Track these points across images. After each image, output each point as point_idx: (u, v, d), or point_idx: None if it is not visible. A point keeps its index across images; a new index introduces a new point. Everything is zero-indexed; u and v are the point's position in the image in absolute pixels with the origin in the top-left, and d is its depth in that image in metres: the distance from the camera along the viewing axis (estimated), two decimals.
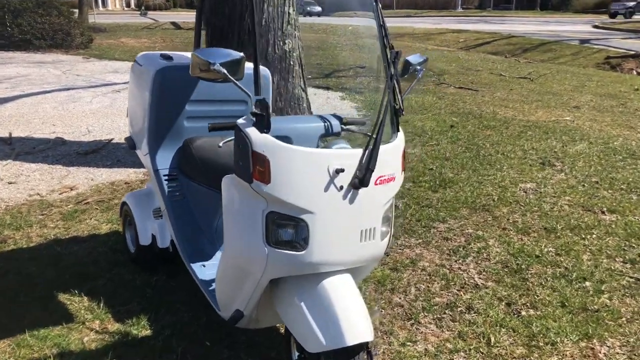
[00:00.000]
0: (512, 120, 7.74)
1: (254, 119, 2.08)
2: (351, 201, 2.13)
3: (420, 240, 3.93)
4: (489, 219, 4.32)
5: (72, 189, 4.73)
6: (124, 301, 3.07)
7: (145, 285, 3.24)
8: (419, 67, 2.49)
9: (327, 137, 2.45)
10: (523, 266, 3.59)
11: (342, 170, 2.08)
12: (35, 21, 13.88)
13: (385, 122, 2.22)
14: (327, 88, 10.14)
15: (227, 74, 2.03)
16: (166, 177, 3.00)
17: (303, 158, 2.06)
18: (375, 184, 2.19)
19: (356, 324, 2.12)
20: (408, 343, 2.83)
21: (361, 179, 2.10)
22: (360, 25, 18.18)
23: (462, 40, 21.15)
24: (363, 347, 2.14)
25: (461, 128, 7.18)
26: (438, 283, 3.40)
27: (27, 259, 3.49)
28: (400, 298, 3.23)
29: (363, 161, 2.12)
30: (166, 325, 2.88)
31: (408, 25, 24.09)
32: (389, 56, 2.33)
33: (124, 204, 3.45)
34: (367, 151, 2.13)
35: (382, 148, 2.22)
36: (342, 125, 2.50)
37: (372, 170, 2.12)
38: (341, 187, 2.10)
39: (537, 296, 3.25)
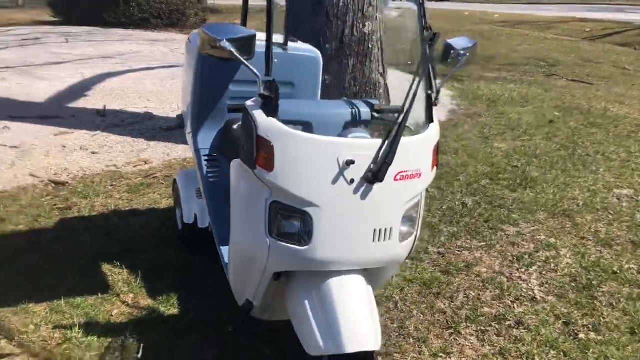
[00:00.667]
0: (624, 118, 6.99)
1: (262, 101, 1.94)
2: (363, 197, 1.94)
3: (483, 243, 3.62)
4: (568, 225, 3.90)
5: (146, 163, 4.87)
6: (161, 277, 3.08)
7: (186, 264, 3.24)
8: (462, 52, 2.23)
9: (355, 125, 2.26)
10: (595, 282, 3.19)
11: (353, 162, 1.90)
12: (154, 1, 14.57)
13: (410, 110, 2.00)
14: None
15: (235, 51, 1.90)
16: (206, 158, 2.95)
17: (310, 146, 1.90)
18: (395, 180, 1.98)
19: (359, 330, 1.95)
20: (441, 354, 2.60)
21: (375, 173, 1.91)
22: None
23: (588, 30, 19.58)
24: (367, 356, 1.96)
25: (562, 124, 6.59)
26: (491, 292, 3.10)
27: (83, 228, 3.61)
28: (444, 304, 2.98)
29: (381, 153, 1.91)
30: (193, 307, 2.84)
31: (529, 13, 22.67)
32: (425, 37, 2.09)
33: (175, 181, 3.46)
34: (386, 142, 1.92)
35: (408, 140, 2.01)
36: (374, 113, 2.29)
37: (389, 164, 1.92)
38: (352, 181, 1.92)
39: (603, 318, 2.87)
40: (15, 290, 2.88)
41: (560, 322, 2.85)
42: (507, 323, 2.83)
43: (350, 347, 1.91)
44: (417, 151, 2.06)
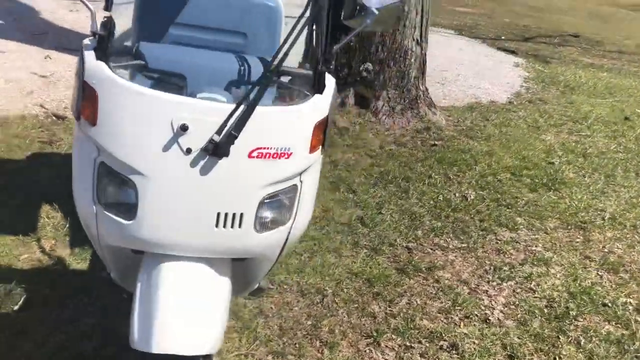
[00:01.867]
0: None
1: (97, 40, 1.64)
2: (204, 172, 1.60)
3: (464, 245, 3.15)
4: (578, 240, 3.31)
5: None
6: None
7: None
8: (372, 9, 1.77)
9: (240, 85, 1.90)
10: (573, 312, 2.66)
11: (186, 128, 1.56)
12: None
13: (279, 70, 1.64)
14: (512, 52, 8.93)
15: None
16: None
17: (139, 100, 1.58)
18: (250, 157, 1.62)
19: (178, 329, 1.65)
20: None
21: (217, 145, 1.56)
22: None
23: None
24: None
25: (639, 124, 5.73)
26: (441, 303, 2.67)
27: (49, 165, 3.51)
28: (379, 307, 2.60)
29: (229, 122, 1.56)
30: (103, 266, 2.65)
31: None
32: None
33: None
34: (239, 108, 1.56)
35: (274, 110, 1.65)
36: (269, 73, 1.88)
37: (235, 136, 1.56)
38: (188, 150, 1.58)
39: (559, 358, 2.36)
40: None
41: (504, 353, 2.38)
42: (440, 343, 2.41)
43: (158, 347, 1.61)
44: (286, 126, 1.68)
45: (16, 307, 2.33)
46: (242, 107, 1.57)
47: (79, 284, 2.51)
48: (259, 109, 1.60)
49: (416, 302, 2.66)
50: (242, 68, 1.87)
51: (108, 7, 1.67)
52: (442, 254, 3.07)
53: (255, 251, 1.77)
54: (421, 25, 4.69)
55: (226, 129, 1.56)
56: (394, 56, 4.57)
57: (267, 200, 1.71)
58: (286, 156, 1.67)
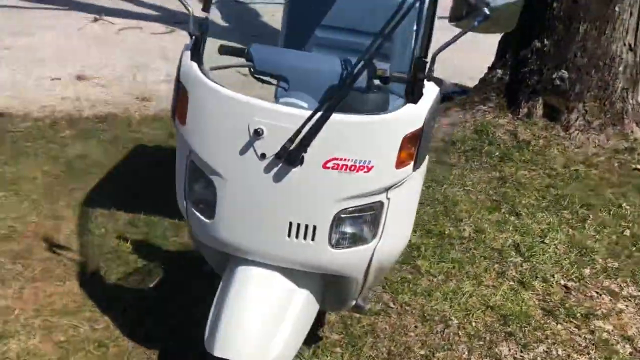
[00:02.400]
0: None
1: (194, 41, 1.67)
2: (277, 179, 1.55)
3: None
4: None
5: None
6: None
7: None
8: (486, 11, 1.51)
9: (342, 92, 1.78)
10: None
11: (261, 133, 1.51)
12: None
13: (365, 75, 1.52)
14: None
15: None
16: None
17: (221, 103, 1.58)
18: (325, 167, 1.52)
19: (238, 335, 1.63)
20: None
21: (288, 152, 1.49)
22: None
23: None
24: None
25: None
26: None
27: None
28: (508, 350, 2.29)
29: (304, 129, 1.48)
30: None
31: None
32: None
33: None
34: (312, 115, 1.48)
35: (355, 119, 1.52)
36: (376, 81, 1.74)
37: (307, 145, 1.48)
38: (263, 156, 1.54)
39: None
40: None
41: None
42: None
43: (219, 350, 1.60)
44: (367, 137, 1.53)
45: (151, 285, 2.52)
46: (317, 115, 1.47)
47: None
48: (337, 117, 1.49)
49: (557, 352, 2.28)
50: (346, 73, 1.75)
51: (206, 8, 1.68)
52: (610, 300, 2.58)
53: (331, 268, 1.66)
54: (636, 29, 4.02)
55: (299, 136, 1.48)
56: (597, 63, 3.98)
57: (345, 216, 1.59)
58: (366, 170, 1.53)
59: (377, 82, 1.73)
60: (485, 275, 2.69)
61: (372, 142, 1.53)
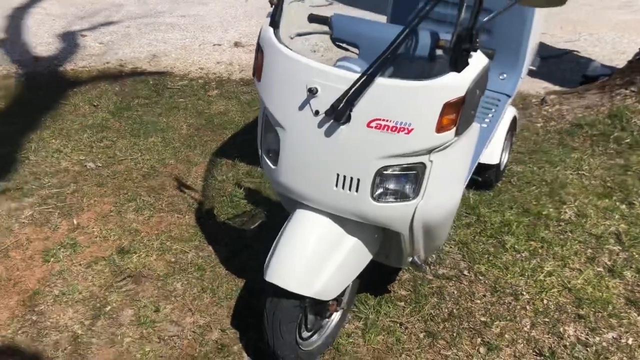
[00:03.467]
0: None
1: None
2: (328, 133, 1.76)
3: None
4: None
5: None
6: None
7: None
8: None
9: (406, 60, 1.92)
10: None
11: (315, 91, 1.72)
12: None
13: (409, 40, 1.64)
14: None
15: None
16: None
17: (286, 63, 1.81)
18: (368, 126, 1.70)
19: (288, 266, 1.88)
20: None
21: (335, 109, 1.69)
22: None
23: None
24: (299, 299, 1.88)
25: None
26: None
27: None
28: (573, 331, 2.28)
29: (350, 90, 1.67)
30: None
31: None
32: None
33: None
34: (359, 79, 1.66)
35: (398, 83, 1.67)
36: (437, 49, 1.86)
37: (351, 104, 1.67)
38: (317, 112, 1.75)
39: None
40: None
41: None
42: None
43: (270, 276, 1.87)
44: (408, 100, 1.66)
45: (252, 227, 2.87)
46: (363, 78, 1.64)
47: None
48: (381, 81, 1.65)
49: (626, 341, 2.22)
50: (411, 42, 1.88)
51: None
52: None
53: (374, 219, 1.83)
54: None
55: (347, 96, 1.67)
56: None
57: (386, 172, 1.75)
58: (406, 131, 1.67)
59: (439, 52, 1.85)
60: (574, 258, 2.64)
61: (412, 106, 1.66)
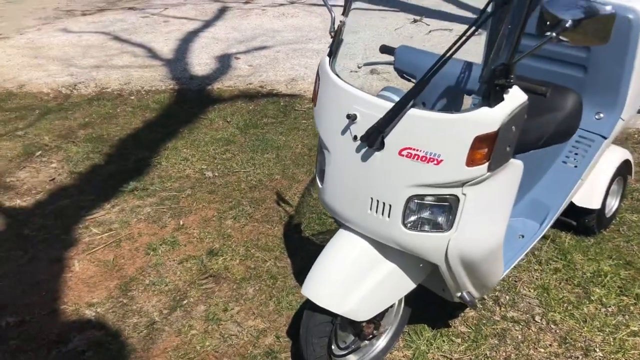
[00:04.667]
0: None
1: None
2: (364, 158, 1.83)
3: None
4: None
5: None
6: None
7: None
8: (566, 22, 1.49)
9: (455, 93, 1.91)
10: None
11: (355, 118, 1.81)
12: None
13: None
14: None
15: None
16: None
17: (332, 89, 1.92)
18: (400, 154, 1.75)
19: (324, 284, 1.97)
20: None
21: (367, 135, 1.77)
22: None
23: None
24: (331, 315, 1.96)
25: None
26: None
27: None
28: None
29: (384, 119, 1.74)
30: None
31: None
32: None
33: None
34: (394, 108, 1.73)
35: (429, 115, 1.71)
36: (502, 81, 1.81)
37: (381, 131, 1.73)
38: (355, 138, 1.84)
39: None
40: None
41: None
42: None
43: (306, 290, 1.96)
44: (439, 132, 1.67)
45: None
46: (396, 108, 1.70)
47: None
48: (413, 112, 1.70)
49: None
50: (461, 75, 1.89)
51: (345, 12, 2.01)
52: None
53: (405, 246, 1.85)
54: None
55: (381, 124, 1.73)
56: None
57: (418, 201, 1.77)
58: (435, 162, 1.69)
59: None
60: None
61: (442, 138, 1.67)
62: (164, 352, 2.35)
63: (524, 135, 2.27)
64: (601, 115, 2.49)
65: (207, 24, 7.69)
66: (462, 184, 1.71)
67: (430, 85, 1.91)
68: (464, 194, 1.73)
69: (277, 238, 3.04)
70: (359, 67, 2.53)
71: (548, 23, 1.54)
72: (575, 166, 2.52)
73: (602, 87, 2.44)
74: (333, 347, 2.10)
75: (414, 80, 2.05)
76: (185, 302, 2.62)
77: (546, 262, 2.74)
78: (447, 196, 1.74)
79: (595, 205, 2.69)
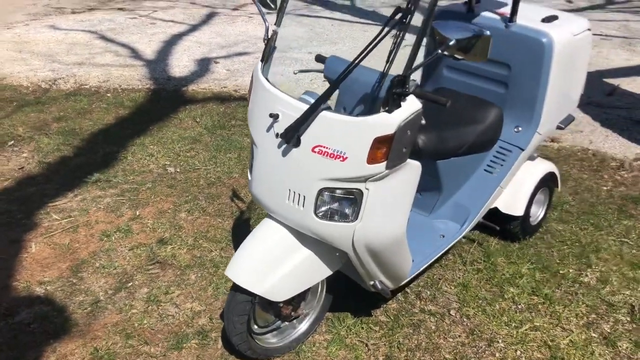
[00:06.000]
0: None
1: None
2: (284, 154, 2.04)
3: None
4: None
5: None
6: None
7: None
8: (449, 42, 1.72)
9: (369, 100, 2.13)
10: None
11: (277, 117, 2.02)
12: None
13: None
14: None
15: None
16: None
17: (261, 91, 2.13)
18: (312, 151, 1.96)
19: (244, 264, 2.16)
20: None
21: (285, 133, 1.98)
22: None
23: None
24: (250, 295, 2.16)
25: None
26: None
27: None
28: None
29: (300, 119, 1.95)
30: None
31: None
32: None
33: None
34: (308, 110, 1.94)
35: (335, 117, 1.93)
36: (399, 90, 2.03)
37: (295, 130, 1.95)
38: (277, 135, 2.05)
39: None
40: None
41: None
42: None
43: (228, 271, 2.16)
44: (345, 132, 1.89)
45: None
46: (310, 110, 1.92)
47: None
48: (325, 114, 1.92)
49: None
50: (375, 85, 2.10)
51: (277, 23, 2.23)
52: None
53: (318, 234, 2.06)
54: None
55: (297, 124, 1.94)
56: None
57: (328, 193, 1.99)
58: (341, 159, 1.91)
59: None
60: (572, 319, 2.58)
61: (348, 138, 1.89)
62: (103, 327, 2.54)
63: (445, 143, 2.51)
64: (519, 128, 2.72)
65: (193, 28, 7.89)
66: (365, 179, 1.93)
67: (350, 92, 2.14)
68: (367, 189, 1.95)
69: (225, 231, 3.24)
70: (294, 74, 2.74)
71: (437, 41, 1.77)
72: (495, 174, 2.74)
73: (521, 103, 2.67)
74: (254, 325, 2.30)
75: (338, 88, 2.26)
76: (130, 284, 2.81)
77: (470, 263, 2.95)
78: (353, 190, 1.96)
79: (519, 212, 2.91)
